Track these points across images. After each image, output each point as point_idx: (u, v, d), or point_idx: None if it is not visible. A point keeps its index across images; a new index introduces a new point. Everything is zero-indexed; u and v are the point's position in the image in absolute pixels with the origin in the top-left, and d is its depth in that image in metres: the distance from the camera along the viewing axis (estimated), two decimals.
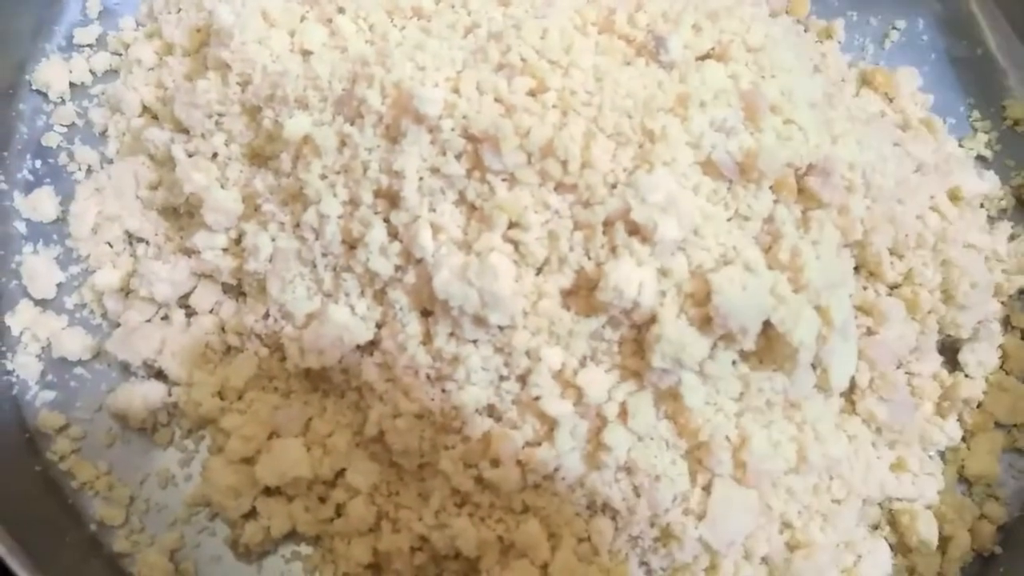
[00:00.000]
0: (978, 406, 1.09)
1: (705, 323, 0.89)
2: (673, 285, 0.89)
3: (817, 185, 0.95)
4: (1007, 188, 1.21)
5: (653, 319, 0.89)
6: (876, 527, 1.04)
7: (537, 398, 0.91)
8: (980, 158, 1.24)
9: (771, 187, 0.94)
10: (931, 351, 1.08)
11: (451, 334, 0.92)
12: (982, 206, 1.18)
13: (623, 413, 0.91)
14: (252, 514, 1.01)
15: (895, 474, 1.03)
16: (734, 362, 0.92)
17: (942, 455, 1.08)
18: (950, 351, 1.11)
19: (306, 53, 1.07)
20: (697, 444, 0.92)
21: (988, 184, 1.17)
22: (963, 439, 1.09)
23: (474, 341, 0.92)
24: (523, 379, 0.92)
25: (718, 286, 0.87)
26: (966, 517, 1.05)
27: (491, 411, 0.94)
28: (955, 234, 1.08)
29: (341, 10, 1.10)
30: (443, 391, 0.94)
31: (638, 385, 0.92)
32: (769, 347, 0.92)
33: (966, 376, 1.10)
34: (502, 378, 0.93)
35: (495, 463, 0.93)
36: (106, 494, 1.04)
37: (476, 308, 0.89)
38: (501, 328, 0.91)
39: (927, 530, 1.01)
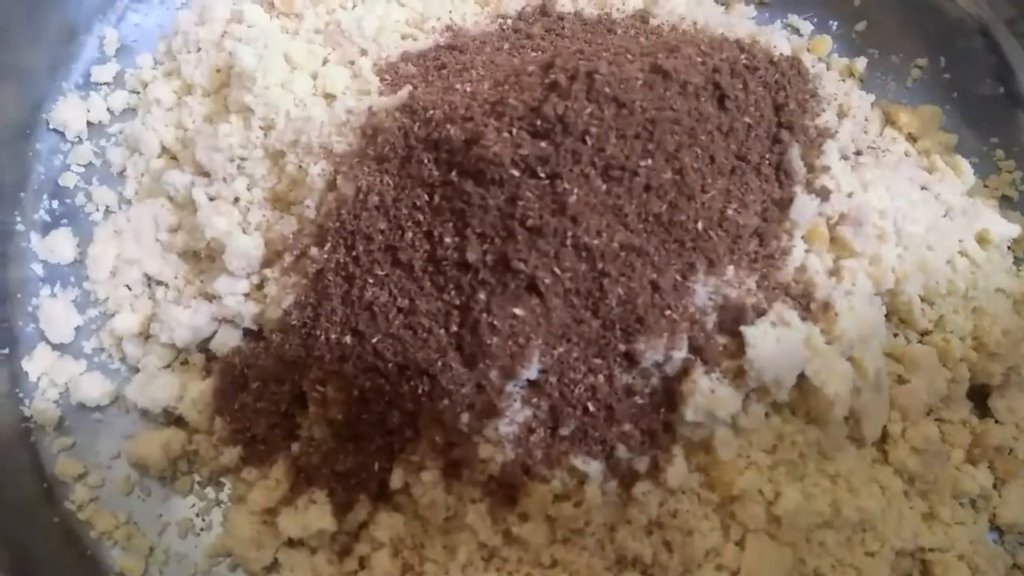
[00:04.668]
0: (1009, 452, 1.08)
1: (738, 376, 0.88)
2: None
3: (849, 234, 0.94)
4: None
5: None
6: None
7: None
8: (1005, 198, 1.22)
9: (803, 237, 0.93)
10: (961, 398, 1.06)
11: None
12: (1009, 248, 1.16)
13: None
14: (274, 566, 0.99)
15: (927, 524, 1.02)
16: (767, 414, 0.91)
17: (973, 503, 1.06)
18: (979, 396, 1.09)
19: (329, 96, 1.07)
20: (730, 498, 0.91)
21: (1016, 226, 1.16)
22: (994, 486, 1.07)
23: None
24: (553, 432, 0.91)
25: (752, 339, 0.86)
26: (998, 566, 1.03)
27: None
28: (984, 279, 1.07)
29: (363, 52, 1.10)
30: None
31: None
32: (802, 399, 0.91)
33: (996, 422, 1.09)
34: (531, 431, 0.91)
35: (524, 517, 0.91)
36: (125, 544, 1.02)
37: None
38: (530, 382, 0.89)
39: None
